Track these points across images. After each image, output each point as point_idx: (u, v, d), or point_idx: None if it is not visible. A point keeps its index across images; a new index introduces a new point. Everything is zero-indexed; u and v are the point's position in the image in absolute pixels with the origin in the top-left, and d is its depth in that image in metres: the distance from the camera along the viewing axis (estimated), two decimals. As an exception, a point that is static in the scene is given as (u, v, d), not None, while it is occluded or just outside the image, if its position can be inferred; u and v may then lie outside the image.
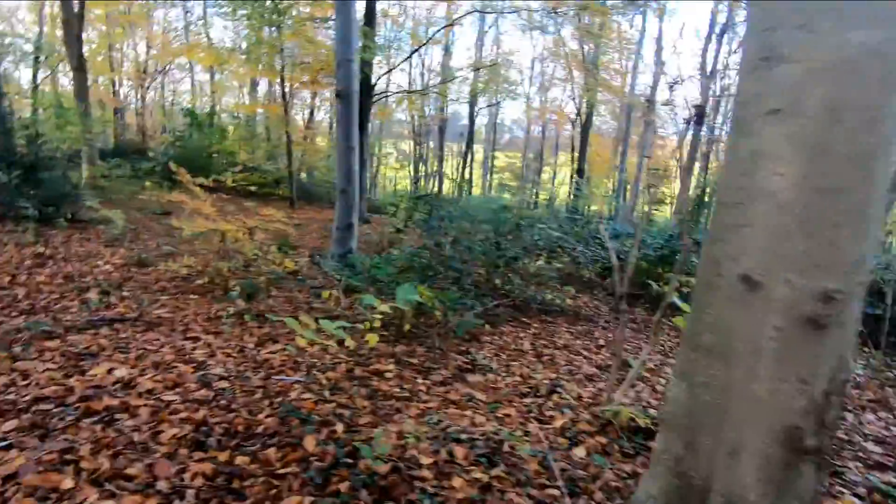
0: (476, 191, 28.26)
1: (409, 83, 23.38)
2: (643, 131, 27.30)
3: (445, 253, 4.49)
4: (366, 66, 13.39)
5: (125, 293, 4.27)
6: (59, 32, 21.90)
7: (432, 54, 25.01)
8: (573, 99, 22.33)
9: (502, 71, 20.57)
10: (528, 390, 3.15)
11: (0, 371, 2.44)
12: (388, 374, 3.10)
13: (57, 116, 8.68)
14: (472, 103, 24.00)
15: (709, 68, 18.06)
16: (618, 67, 21.62)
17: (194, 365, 2.84)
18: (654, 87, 20.39)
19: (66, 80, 21.85)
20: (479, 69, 16.29)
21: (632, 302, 6.29)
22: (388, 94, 16.94)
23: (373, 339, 3.19)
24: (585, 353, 4.26)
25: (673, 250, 6.82)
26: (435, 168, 31.06)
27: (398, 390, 2.86)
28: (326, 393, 2.66)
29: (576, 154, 28.54)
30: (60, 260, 5.15)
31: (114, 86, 26.40)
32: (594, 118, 24.33)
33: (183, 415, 2.22)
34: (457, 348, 3.76)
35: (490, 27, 26.42)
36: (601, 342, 4.65)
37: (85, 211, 7.37)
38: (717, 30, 17.13)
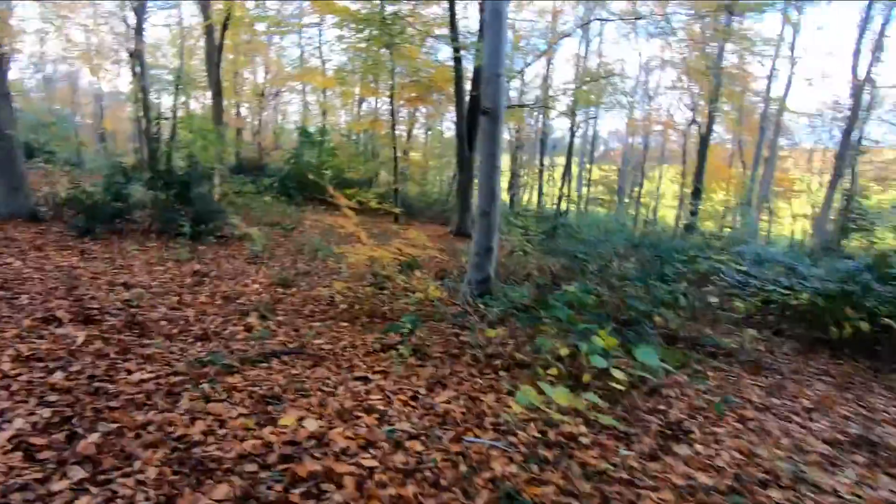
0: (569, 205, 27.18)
1: (510, 97, 23.07)
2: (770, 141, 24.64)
3: (618, 291, 3.94)
4: (479, 80, 13.28)
5: (280, 317, 4.22)
6: (194, 62, 24.53)
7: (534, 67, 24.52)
8: (690, 108, 20.60)
9: (616, 81, 19.58)
10: (764, 475, 2.51)
11: (197, 414, 2.31)
12: (584, 440, 2.62)
13: (202, 138, 9.41)
14: (573, 115, 23.15)
15: (861, 72, 15.74)
16: (744, 72, 19.60)
17: (376, 416, 2.57)
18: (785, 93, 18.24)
19: (194, 104, 24.32)
20: (594, 80, 15.53)
21: (811, 347, 5.30)
22: (509, 107, 16.61)
23: (562, 396, 2.74)
24: (796, 417, 3.48)
25: (865, 286, 5.67)
26: (528, 181, 30.46)
27: (608, 465, 2.37)
28: (534, 467, 2.24)
29: (685, 167, 26.51)
30: (215, 278, 5.32)
31: (236, 108, 28.95)
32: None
33: (391, 490, 1.90)
34: (644, 404, 3.20)
35: (596, 35, 25.45)
36: (804, 402, 3.81)
37: (227, 227, 7.77)
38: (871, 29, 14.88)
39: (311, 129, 21.01)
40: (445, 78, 18.33)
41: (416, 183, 20.40)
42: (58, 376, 2.62)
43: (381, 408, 2.68)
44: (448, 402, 2.88)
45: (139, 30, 18.70)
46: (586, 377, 3.19)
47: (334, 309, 4.67)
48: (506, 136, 28.11)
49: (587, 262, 6.52)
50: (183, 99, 24.45)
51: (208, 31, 13.47)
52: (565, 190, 25.17)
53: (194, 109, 23.72)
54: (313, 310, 4.59)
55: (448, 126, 26.51)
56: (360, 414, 2.56)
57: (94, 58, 26.85)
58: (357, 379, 3.05)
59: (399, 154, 17.49)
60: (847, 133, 15.78)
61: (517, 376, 3.46)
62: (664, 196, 33.30)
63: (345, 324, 4.24)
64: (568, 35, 15.66)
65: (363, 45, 16.13)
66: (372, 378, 3.09)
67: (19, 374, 2.62)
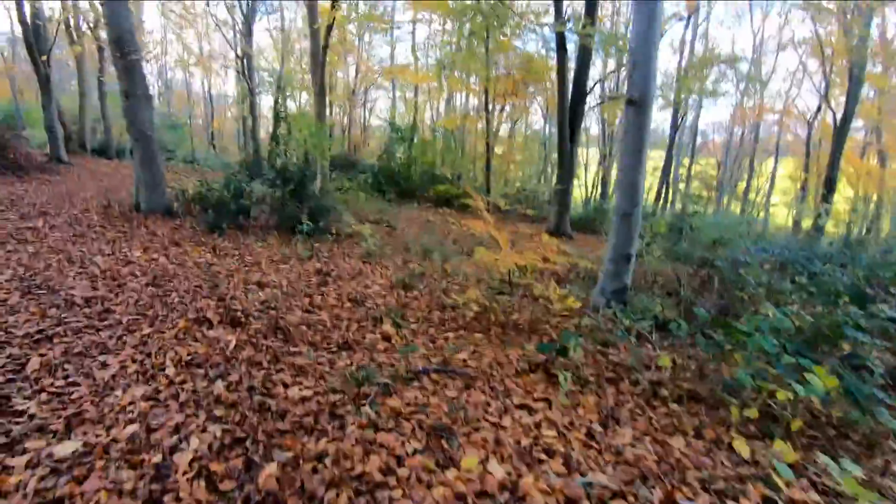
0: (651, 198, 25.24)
1: (607, 88, 21.78)
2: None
3: (818, 315, 3.25)
4: (582, 70, 12.50)
5: (412, 324, 3.99)
6: (290, 64, 25.72)
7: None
8: (821, 93, 18.13)
9: (725, 67, 17.76)
10: None
11: (368, 445, 2.07)
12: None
13: (311, 136, 9.63)
14: (676, 107, 21.38)
15: None
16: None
17: (560, 460, 2.19)
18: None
19: (291, 104, 25.49)
20: (707, 65, 14.08)
21: None
22: (612, 98, 15.66)
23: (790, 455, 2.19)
24: None
25: None
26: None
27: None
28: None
29: (809, 161, 23.58)
30: (337, 278, 5.25)
31: (330, 106, 30.11)
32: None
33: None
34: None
35: (704, 20, 23.38)
36: None
37: (338, 224, 7.82)
38: None
39: (402, 125, 21.21)
40: (538, 69, 17.64)
41: (504, 178, 19.89)
42: (219, 386, 2.51)
43: (561, 448, 2.29)
44: (632, 444, 2.44)
45: (248, 33, 19.91)
46: (796, 424, 2.59)
47: (463, 317, 4.37)
48: (594, 131, 26.71)
49: (724, 270, 5.73)
50: (280, 99, 25.76)
51: (314, 32, 13.89)
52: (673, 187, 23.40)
53: (292, 108, 24.89)
54: (441, 317, 4.32)
55: (532, 120, 25.69)
56: (541, 456, 2.20)
57: (207, 63, 29.18)
58: (520, 408, 2.70)
59: (490, 149, 17.06)
60: None
61: (695, 412, 2.94)
62: (775, 192, 30.03)
63: (478, 335, 3.92)
64: (682, 19, 14.24)
65: (461, 38, 15.94)
66: (534, 407, 2.72)
67: (183, 382, 2.55)
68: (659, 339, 4.28)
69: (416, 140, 19.83)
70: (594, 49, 12.69)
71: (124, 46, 6.42)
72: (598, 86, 13.78)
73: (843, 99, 17.41)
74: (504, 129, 26.37)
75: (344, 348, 3.27)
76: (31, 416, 2.12)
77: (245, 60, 19.46)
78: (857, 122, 23.50)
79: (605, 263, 4.96)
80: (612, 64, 20.06)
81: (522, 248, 4.33)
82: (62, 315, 3.25)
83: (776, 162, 28.56)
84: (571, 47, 12.44)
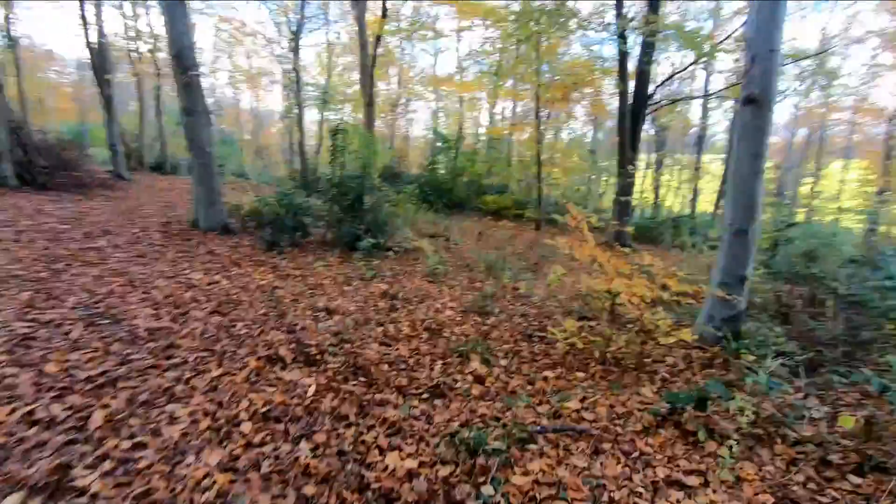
0: (707, 206, 23.71)
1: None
2: None
3: None
4: (643, 73, 11.77)
5: (501, 360, 3.49)
6: (334, 78, 25.99)
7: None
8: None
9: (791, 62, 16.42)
10: None
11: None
12: None
13: (365, 148, 9.36)
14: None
15: None
16: None
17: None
18: None
19: (333, 116, 25.63)
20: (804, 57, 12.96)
21: None
22: (674, 100, 14.80)
23: None
24: None
25: None
26: (675, 183, 27.40)
27: None
28: None
29: (888, 164, 21.72)
30: (405, 301, 4.82)
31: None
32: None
33: None
34: None
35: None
36: None
37: (397, 239, 7.45)
38: None
39: (446, 135, 20.89)
40: (590, 73, 16.93)
41: (557, 188, 19.16)
42: (305, 450, 2.09)
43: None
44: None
45: (296, 49, 20.19)
46: None
47: (554, 349, 3.84)
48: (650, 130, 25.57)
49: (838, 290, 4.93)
50: (326, 111, 25.94)
51: (363, 44, 13.79)
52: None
53: (339, 120, 25.05)
54: (531, 350, 3.80)
55: (573, 128, 24.78)
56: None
57: (255, 80, 30.00)
58: (671, 484, 2.14)
59: (542, 157, 16.41)
60: None
61: (884, 488, 2.29)
62: (842, 196, 27.80)
63: (580, 374, 3.38)
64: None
65: (509, 43, 15.49)
66: (688, 483, 2.16)
67: (263, 444, 2.14)
68: (803, 378, 3.61)
69: (460, 150, 19.48)
70: (658, 49, 11.93)
71: (185, 62, 6.30)
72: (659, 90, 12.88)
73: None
74: (548, 136, 25.67)
75: (436, 395, 2.80)
76: (94, 497, 1.75)
77: (294, 75, 19.72)
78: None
79: (713, 286, 4.30)
80: (665, 66, 19.07)
81: (618, 268, 3.75)
82: (126, 351, 2.94)
83: (828, 165, 26.51)
84: (632, 51, 11.75)
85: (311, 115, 28.32)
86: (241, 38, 24.96)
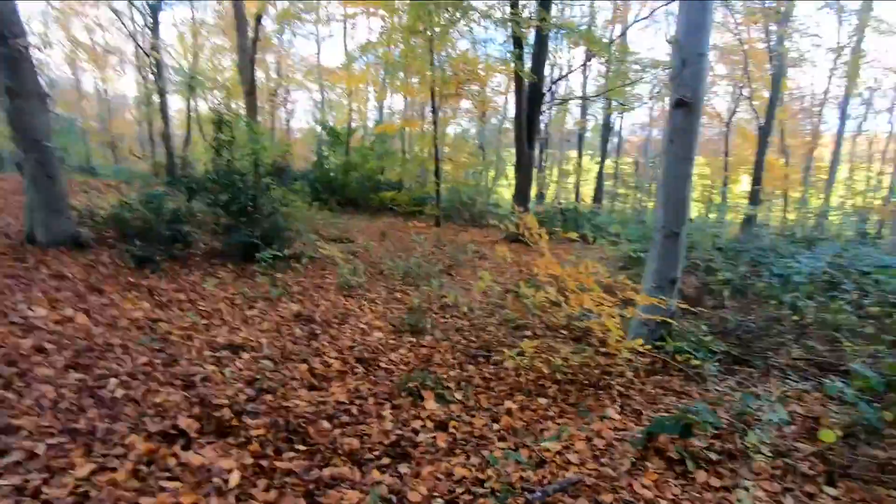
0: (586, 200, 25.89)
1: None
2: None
3: None
4: (538, 69, 12.01)
5: (456, 393, 3.03)
6: (202, 62, 23.28)
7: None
8: (745, 97, 19.21)
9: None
10: None
11: None
12: None
13: (253, 142, 8.22)
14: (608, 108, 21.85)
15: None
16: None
17: None
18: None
19: (203, 105, 22.86)
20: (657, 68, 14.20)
21: None
22: (564, 100, 15.32)
23: None
24: None
25: None
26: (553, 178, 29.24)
27: None
28: None
29: (727, 160, 25.21)
30: (324, 325, 4.14)
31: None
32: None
33: None
34: None
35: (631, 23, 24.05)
36: None
37: (298, 246, 6.60)
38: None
39: (336, 129, 19.80)
40: (482, 69, 17.11)
41: (452, 183, 19.14)
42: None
43: None
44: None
45: (154, 27, 17.53)
46: None
47: (504, 369, 3.49)
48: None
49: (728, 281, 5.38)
50: (191, 98, 23.11)
51: (239, 25, 12.28)
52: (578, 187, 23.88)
53: (220, 109, 22.47)
54: (481, 375, 3.41)
55: (459, 123, 25.14)
56: None
57: (101, 58, 25.71)
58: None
59: (438, 153, 16.22)
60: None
61: (859, 497, 2.30)
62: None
63: (542, 400, 3.06)
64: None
65: (400, 35, 14.94)
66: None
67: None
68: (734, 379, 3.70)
69: (350, 145, 18.59)
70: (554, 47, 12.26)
71: (6, 28, 4.81)
72: (554, 87, 13.36)
73: (755, 103, 18.64)
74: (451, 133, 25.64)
75: (398, 457, 2.26)
76: None
77: (152, 56, 17.11)
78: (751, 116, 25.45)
79: (645, 289, 4.29)
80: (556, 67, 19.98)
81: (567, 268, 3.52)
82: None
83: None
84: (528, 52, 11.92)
85: (176, 103, 25.04)
86: (79, 6, 21.14)
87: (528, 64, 11.70)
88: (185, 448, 2.13)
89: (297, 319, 4.17)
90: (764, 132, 16.89)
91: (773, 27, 15.87)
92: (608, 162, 26.31)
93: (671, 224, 4.08)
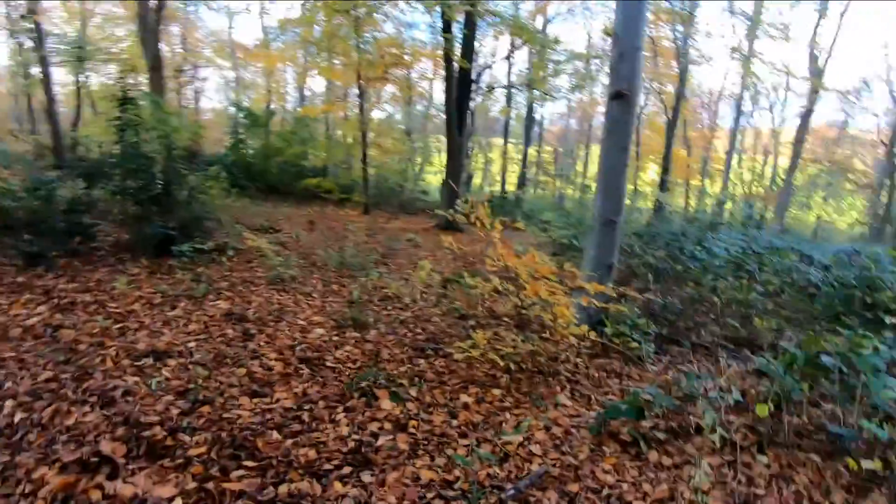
0: (509, 188, 26.72)
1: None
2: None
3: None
4: (468, 55, 11.96)
5: (412, 390, 2.93)
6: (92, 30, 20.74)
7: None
8: (654, 91, 20.53)
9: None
10: None
11: None
12: None
13: (159, 122, 7.37)
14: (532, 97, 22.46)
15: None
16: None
17: None
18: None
19: (95, 80, 20.42)
20: (588, 59, 14.71)
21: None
22: (493, 87, 15.35)
23: None
24: None
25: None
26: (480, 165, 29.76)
27: None
28: None
29: (640, 148, 26.95)
30: (258, 322, 3.84)
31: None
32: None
33: None
34: None
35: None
36: None
37: (221, 237, 6.09)
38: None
39: (255, 111, 18.61)
40: (409, 54, 16.82)
41: (379, 170, 18.73)
42: None
43: None
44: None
45: (32, -13, 15.29)
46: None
47: (454, 362, 3.44)
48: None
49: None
50: (85, 74, 20.67)
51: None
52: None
53: (123, 85, 20.12)
54: (432, 368, 3.33)
55: (385, 109, 24.72)
56: None
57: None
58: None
59: (365, 138, 15.76)
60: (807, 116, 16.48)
61: (785, 463, 2.52)
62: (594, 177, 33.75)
63: (496, 391, 3.05)
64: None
65: (322, 14, 14.22)
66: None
67: None
68: (667, 358, 3.93)
69: (270, 128, 17.58)
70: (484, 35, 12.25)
71: None
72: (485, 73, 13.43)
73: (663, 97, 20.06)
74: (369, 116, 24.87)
75: (360, 464, 2.12)
76: None
77: (30, 19, 14.89)
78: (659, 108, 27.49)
79: (584, 275, 4.43)
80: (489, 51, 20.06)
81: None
82: None
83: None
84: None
85: (62, 76, 22.11)
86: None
87: (457, 50, 11.64)
88: (112, 477, 1.84)
89: (227, 319, 3.82)
90: (671, 125, 18.22)
91: (680, 27, 17.08)
92: (530, 150, 27.11)
93: (609, 212, 4.23)
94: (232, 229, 6.52)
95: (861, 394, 2.52)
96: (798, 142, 16.69)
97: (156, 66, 11.16)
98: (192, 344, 3.22)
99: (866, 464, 2.34)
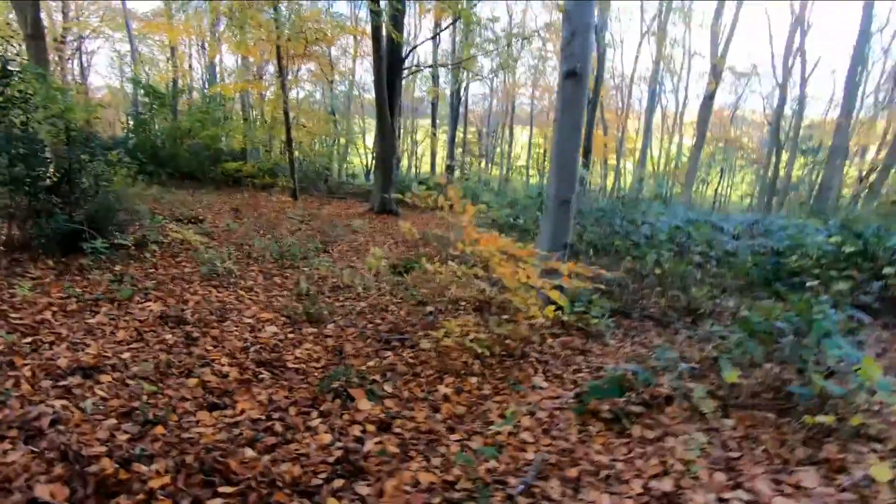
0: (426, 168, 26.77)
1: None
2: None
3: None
4: (397, 31, 11.54)
5: (386, 386, 2.76)
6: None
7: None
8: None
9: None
10: None
11: None
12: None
13: (47, 99, 6.31)
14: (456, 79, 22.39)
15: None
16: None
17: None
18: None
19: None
20: (515, 41, 14.72)
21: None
22: (421, 67, 14.92)
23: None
24: None
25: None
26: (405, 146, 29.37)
27: None
28: None
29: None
30: (200, 325, 3.44)
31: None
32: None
33: None
34: None
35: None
36: None
37: (137, 230, 5.42)
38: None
39: (159, 89, 16.90)
40: (332, 30, 16.01)
41: (305, 153, 17.80)
42: None
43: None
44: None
45: None
46: None
47: (423, 351, 3.31)
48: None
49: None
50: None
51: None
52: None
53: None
54: (405, 361, 3.18)
55: (305, 88, 23.60)
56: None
57: None
58: (661, 497, 1.96)
59: (288, 119, 14.86)
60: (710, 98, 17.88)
61: (751, 423, 2.69)
62: (518, 158, 34.71)
63: (472, 379, 2.97)
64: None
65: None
66: (668, 490, 2.02)
67: None
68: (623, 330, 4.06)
69: (177, 108, 16.07)
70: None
71: None
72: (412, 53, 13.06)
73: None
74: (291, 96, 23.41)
75: (352, 475, 1.94)
76: None
77: None
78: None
79: (541, 255, 4.45)
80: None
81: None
82: None
83: (531, 131, 33.02)
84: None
85: None
86: None
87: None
88: (56, 528, 1.52)
89: (162, 322, 3.39)
90: (592, 105, 19.00)
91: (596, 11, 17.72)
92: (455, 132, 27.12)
93: (563, 192, 4.25)
94: (150, 221, 5.83)
95: (813, 356, 2.73)
96: (703, 121, 18.09)
97: (36, 33, 9.61)
98: (125, 355, 2.81)
99: (820, 418, 2.53)
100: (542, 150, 30.85)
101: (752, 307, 3.56)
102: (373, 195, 12.58)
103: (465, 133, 30.01)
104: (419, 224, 10.57)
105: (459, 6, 10.81)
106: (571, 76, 3.98)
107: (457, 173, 26.22)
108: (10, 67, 4.75)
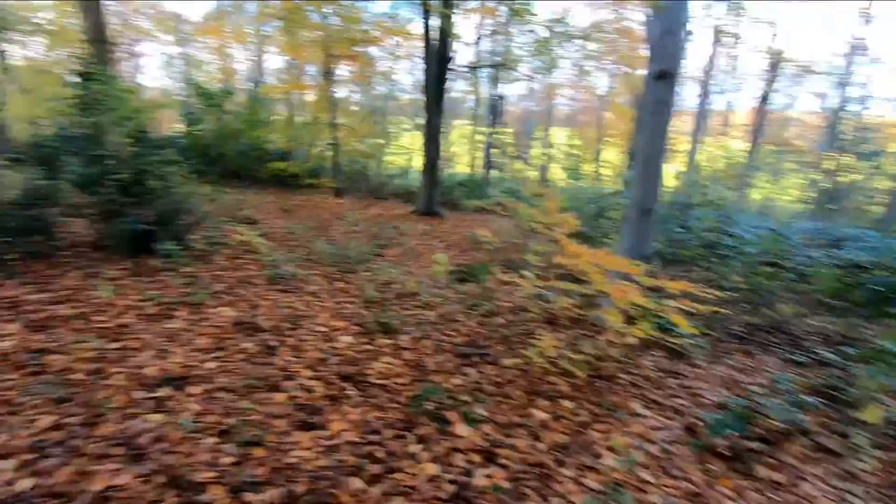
0: (464, 168, 26.40)
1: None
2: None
3: None
4: (444, 33, 11.41)
5: (479, 409, 2.59)
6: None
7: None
8: (619, 74, 20.63)
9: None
10: None
11: None
12: None
13: (117, 101, 6.46)
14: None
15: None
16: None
17: None
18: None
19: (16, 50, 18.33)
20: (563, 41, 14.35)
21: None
22: (474, 66, 14.76)
23: None
24: None
25: None
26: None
27: None
28: None
29: (601, 130, 27.25)
30: (275, 332, 3.37)
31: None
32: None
33: None
34: None
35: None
36: None
37: (202, 231, 5.45)
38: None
39: (212, 90, 17.28)
40: (379, 31, 16.00)
41: (350, 153, 17.90)
42: None
43: None
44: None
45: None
46: None
47: (505, 368, 3.13)
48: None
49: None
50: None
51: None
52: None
53: (77, 60, 18.09)
54: (489, 379, 3.00)
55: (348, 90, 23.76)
56: None
57: None
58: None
59: (334, 120, 14.93)
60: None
61: None
62: (556, 158, 34.01)
63: (566, 403, 2.77)
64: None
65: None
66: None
67: None
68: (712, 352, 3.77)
69: (227, 109, 16.39)
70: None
71: None
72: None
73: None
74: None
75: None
76: None
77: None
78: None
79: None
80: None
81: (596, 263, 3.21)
82: None
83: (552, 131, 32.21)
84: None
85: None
86: None
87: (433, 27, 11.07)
88: (177, 566, 1.41)
89: (238, 328, 3.33)
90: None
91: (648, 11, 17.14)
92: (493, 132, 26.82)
93: (647, 201, 4.00)
94: (213, 222, 5.87)
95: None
96: (758, 123, 17.25)
97: (100, 37, 9.96)
98: (209, 364, 2.74)
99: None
100: (578, 154, 30.18)
101: (878, 334, 3.22)
102: (417, 196, 12.49)
103: (502, 134, 29.68)
104: (463, 226, 10.41)
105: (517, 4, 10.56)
106: (662, 77, 3.72)
107: (493, 173, 25.93)
108: (90, 71, 4.82)
